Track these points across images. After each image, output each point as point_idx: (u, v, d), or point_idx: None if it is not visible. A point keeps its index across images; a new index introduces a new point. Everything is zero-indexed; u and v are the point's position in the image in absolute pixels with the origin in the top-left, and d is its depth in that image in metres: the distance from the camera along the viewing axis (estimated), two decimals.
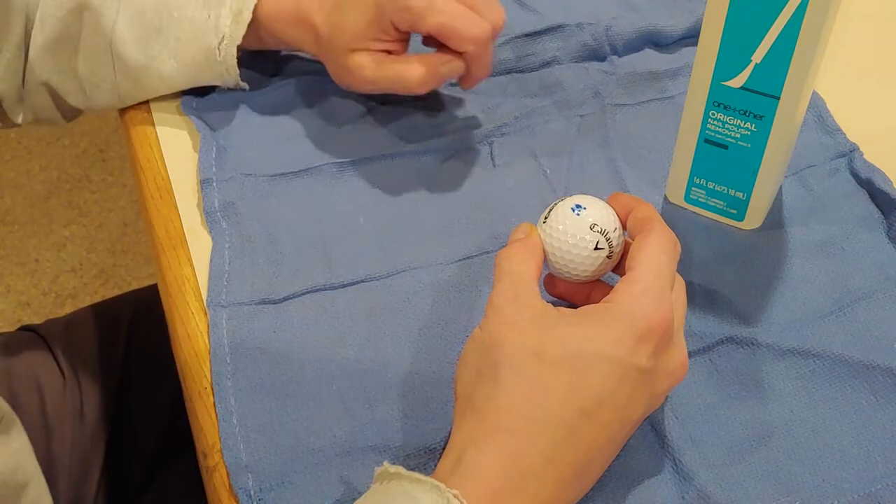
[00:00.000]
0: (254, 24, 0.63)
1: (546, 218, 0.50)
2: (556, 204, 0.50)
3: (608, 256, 0.49)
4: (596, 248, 0.49)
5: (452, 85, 0.67)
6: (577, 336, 0.44)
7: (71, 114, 0.70)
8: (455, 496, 0.40)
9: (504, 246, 0.58)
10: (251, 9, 0.62)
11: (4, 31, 0.63)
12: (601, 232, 0.49)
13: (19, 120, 0.69)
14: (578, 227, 0.49)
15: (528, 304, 0.45)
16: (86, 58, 0.64)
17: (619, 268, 0.51)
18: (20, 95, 0.67)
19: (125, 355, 0.76)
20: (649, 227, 0.48)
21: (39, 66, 0.65)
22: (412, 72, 0.61)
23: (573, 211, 0.49)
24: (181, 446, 0.72)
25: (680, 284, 0.48)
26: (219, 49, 0.62)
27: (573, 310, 0.46)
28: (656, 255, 0.46)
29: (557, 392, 0.43)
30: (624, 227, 0.50)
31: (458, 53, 0.60)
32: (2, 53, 0.64)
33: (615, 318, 0.44)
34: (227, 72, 0.64)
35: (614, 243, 0.49)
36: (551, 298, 0.54)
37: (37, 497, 0.58)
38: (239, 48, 0.63)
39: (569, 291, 0.53)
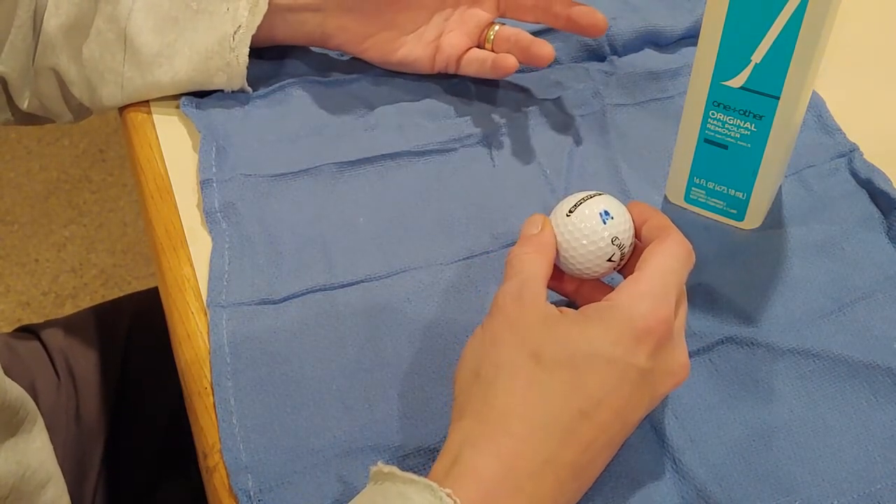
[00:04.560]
0: (269, 14, 0.64)
1: (570, 212, 0.50)
2: (584, 200, 0.50)
3: (615, 266, 0.50)
4: (609, 260, 0.50)
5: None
6: (576, 337, 0.44)
7: (77, 111, 0.70)
8: (448, 495, 0.40)
9: (504, 245, 0.58)
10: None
11: (10, 12, 0.64)
12: (619, 246, 0.49)
13: (25, 105, 0.69)
14: (601, 235, 0.49)
15: (531, 306, 0.45)
16: (95, 45, 0.64)
17: (626, 269, 0.51)
18: (26, 78, 0.67)
19: (124, 358, 0.76)
20: (666, 234, 0.48)
21: (50, 50, 0.65)
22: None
23: (601, 217, 0.49)
24: (183, 451, 0.72)
25: (681, 291, 0.48)
26: (233, 37, 0.63)
27: (574, 310, 0.46)
28: (667, 260, 0.47)
29: (556, 393, 0.43)
30: (637, 234, 0.50)
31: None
32: (8, 34, 0.64)
33: (614, 317, 0.44)
34: (238, 61, 0.64)
35: (626, 256, 0.50)
36: (553, 296, 0.54)
37: (56, 496, 0.58)
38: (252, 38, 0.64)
39: (557, 281, 0.53)
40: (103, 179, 1.80)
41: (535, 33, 0.69)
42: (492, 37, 0.66)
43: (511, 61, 0.63)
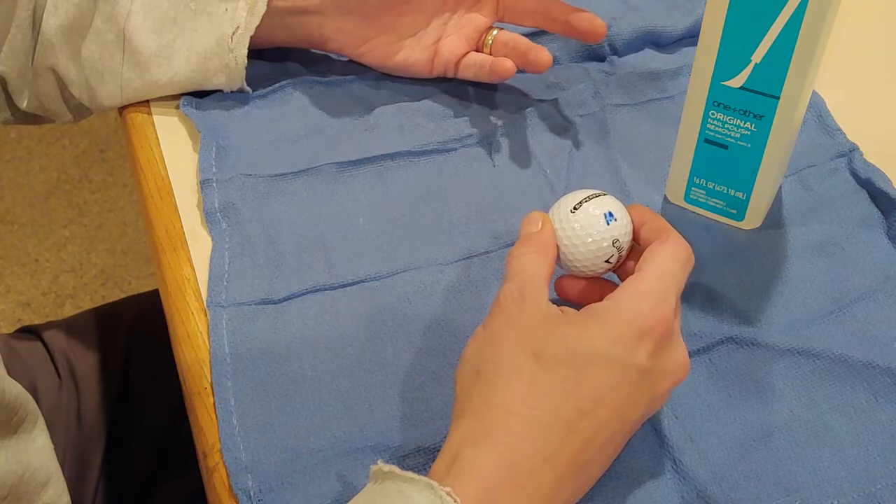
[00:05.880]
0: (267, 16, 0.64)
1: (575, 209, 0.50)
2: (588, 199, 0.50)
3: (611, 268, 0.51)
4: (606, 261, 0.50)
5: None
6: (576, 336, 0.44)
7: (77, 111, 0.70)
8: (448, 493, 0.40)
9: (504, 245, 0.58)
10: (266, 1, 0.63)
11: (9, 12, 0.64)
12: (618, 248, 0.50)
13: (24, 105, 0.69)
14: (603, 236, 0.49)
15: (532, 305, 0.46)
16: (94, 45, 0.64)
17: (623, 271, 0.51)
18: (26, 78, 0.67)
19: (125, 359, 0.76)
20: (666, 236, 0.48)
21: (49, 50, 0.65)
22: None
23: (605, 218, 0.49)
24: (183, 451, 0.72)
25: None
26: (232, 38, 0.63)
27: (575, 311, 0.46)
28: (667, 261, 0.47)
29: (556, 392, 0.43)
30: (636, 236, 0.51)
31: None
32: (7, 34, 0.64)
33: (615, 316, 0.44)
34: (236, 62, 0.64)
35: (622, 258, 0.50)
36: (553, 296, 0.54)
37: (56, 496, 0.58)
38: (250, 40, 0.64)
39: (560, 289, 0.53)
40: (103, 179, 1.80)
41: (535, 33, 0.70)
42: (490, 41, 0.66)
43: (508, 65, 0.63)
